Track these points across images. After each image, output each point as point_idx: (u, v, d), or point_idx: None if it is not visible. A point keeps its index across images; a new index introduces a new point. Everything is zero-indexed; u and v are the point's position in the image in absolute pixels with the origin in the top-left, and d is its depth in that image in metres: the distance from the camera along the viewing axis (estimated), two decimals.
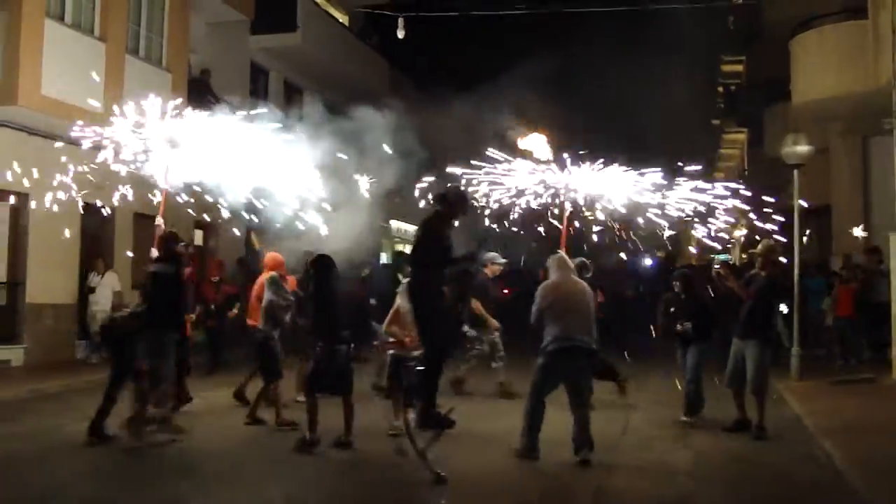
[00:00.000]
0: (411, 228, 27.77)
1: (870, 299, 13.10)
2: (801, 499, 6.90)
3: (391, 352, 8.80)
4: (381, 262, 21.68)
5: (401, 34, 16.06)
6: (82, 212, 13.23)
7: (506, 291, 16.51)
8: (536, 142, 8.86)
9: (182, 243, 9.35)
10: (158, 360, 8.37)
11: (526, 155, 9.22)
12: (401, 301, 8.65)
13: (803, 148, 13.12)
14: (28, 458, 7.61)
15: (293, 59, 19.98)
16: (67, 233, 13.17)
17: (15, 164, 11.35)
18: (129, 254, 13.75)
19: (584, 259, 9.81)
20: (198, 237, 17.13)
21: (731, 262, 30.19)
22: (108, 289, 13.86)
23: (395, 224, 25.36)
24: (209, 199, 10.47)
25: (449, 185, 8.48)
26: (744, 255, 32.85)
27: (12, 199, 13.11)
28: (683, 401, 9.35)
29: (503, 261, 11.79)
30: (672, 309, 9.50)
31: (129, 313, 8.73)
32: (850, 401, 10.77)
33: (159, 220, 9.81)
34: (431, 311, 6.96)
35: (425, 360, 6.96)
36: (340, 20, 22.62)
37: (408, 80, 24.44)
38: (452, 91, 14.98)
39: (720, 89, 34.25)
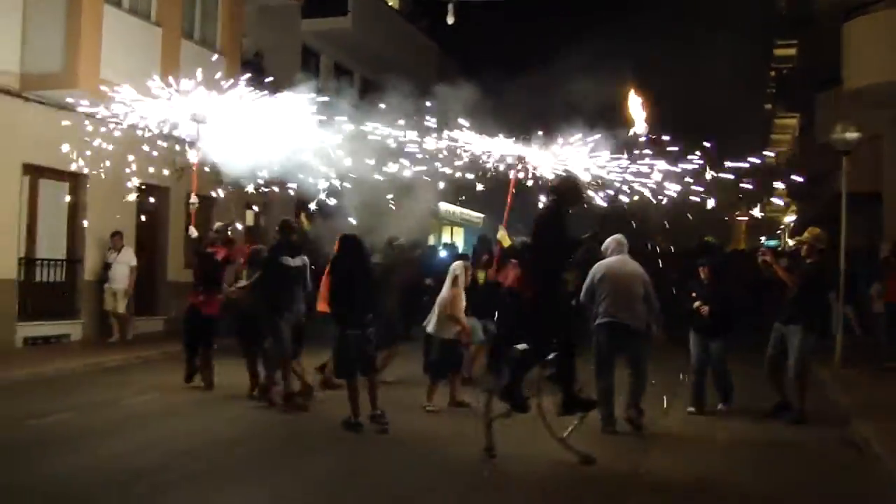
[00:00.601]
0: (458, 210, 27.91)
1: None
2: (834, 481, 6.78)
3: (429, 330, 9.07)
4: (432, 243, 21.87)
5: (450, 20, 15.95)
6: (137, 192, 13.57)
7: None
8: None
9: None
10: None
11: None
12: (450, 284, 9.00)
13: (852, 134, 12.83)
14: (93, 428, 7.79)
15: (344, 43, 20.04)
16: (122, 212, 13.59)
17: (73, 146, 11.69)
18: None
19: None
20: (249, 217, 17.33)
21: (778, 249, 29.71)
22: (124, 266, 13.62)
23: (443, 206, 25.42)
24: (258, 179, 10.65)
25: (562, 174, 8.49)
26: (791, 242, 32.31)
27: (70, 181, 13.44)
28: (691, 391, 9.07)
29: None
30: (694, 294, 9.23)
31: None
32: (892, 388, 10.56)
33: (194, 199, 10.02)
34: (560, 301, 7.10)
35: (561, 350, 6.87)
36: (390, 3, 22.67)
37: (455, 63, 24.36)
38: (501, 74, 14.93)
39: (772, 73, 33.64)
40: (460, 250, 20.70)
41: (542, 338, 6.83)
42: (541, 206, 7.86)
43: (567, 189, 7.20)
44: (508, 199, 9.87)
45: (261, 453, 7.11)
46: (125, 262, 13.69)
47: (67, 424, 7.90)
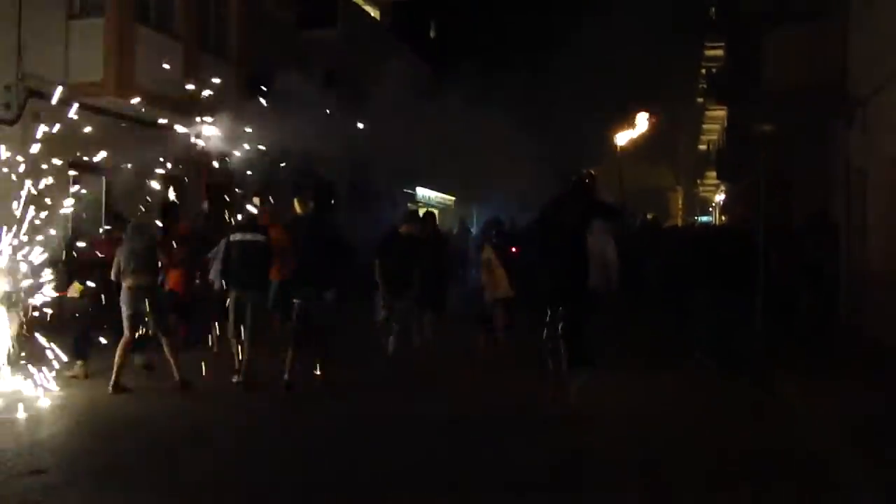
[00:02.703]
0: (434, 195, 29.06)
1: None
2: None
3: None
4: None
5: (432, 34, 17.03)
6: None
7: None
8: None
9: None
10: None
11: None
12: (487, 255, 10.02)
13: (767, 128, 14.20)
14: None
15: (333, 52, 20.97)
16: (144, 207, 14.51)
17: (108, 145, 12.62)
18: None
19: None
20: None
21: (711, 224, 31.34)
22: None
23: (420, 191, 26.57)
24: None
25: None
26: (723, 217, 33.96)
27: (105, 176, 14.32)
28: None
29: None
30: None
31: None
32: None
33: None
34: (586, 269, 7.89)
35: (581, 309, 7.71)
36: (373, 15, 23.61)
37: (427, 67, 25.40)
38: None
39: (703, 71, 35.01)
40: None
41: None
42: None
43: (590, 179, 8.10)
44: None
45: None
46: None
47: None
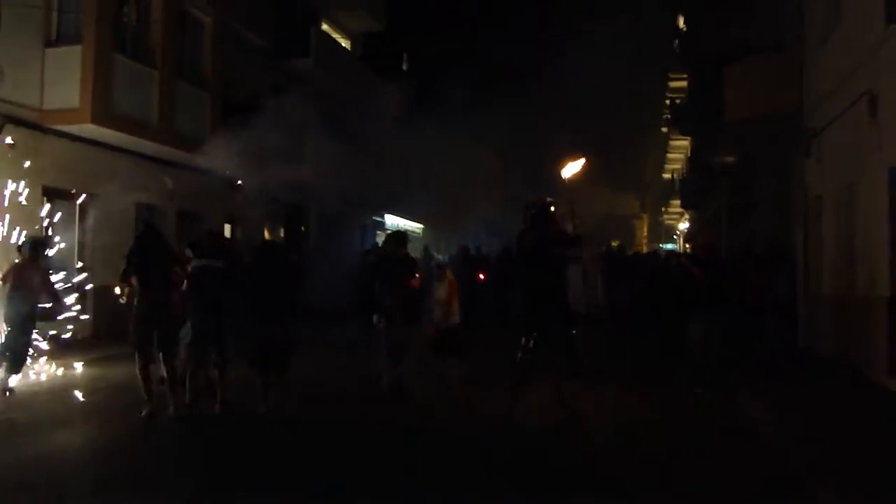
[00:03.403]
0: (402, 222, 29.41)
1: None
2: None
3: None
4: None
5: (405, 66, 17.48)
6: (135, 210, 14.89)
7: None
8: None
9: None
10: None
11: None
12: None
13: (729, 159, 14.78)
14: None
15: (307, 81, 21.30)
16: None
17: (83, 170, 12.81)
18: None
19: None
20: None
21: (676, 251, 31.94)
22: None
23: (389, 218, 26.86)
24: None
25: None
26: (687, 245, 34.69)
27: (81, 199, 14.42)
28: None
29: None
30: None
31: None
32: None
33: None
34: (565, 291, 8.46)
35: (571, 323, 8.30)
36: (344, 45, 24.04)
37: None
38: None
39: (667, 101, 35.90)
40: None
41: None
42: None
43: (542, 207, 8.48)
44: None
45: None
46: None
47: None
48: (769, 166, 17.50)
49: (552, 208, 8.47)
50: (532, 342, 8.07)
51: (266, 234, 13.25)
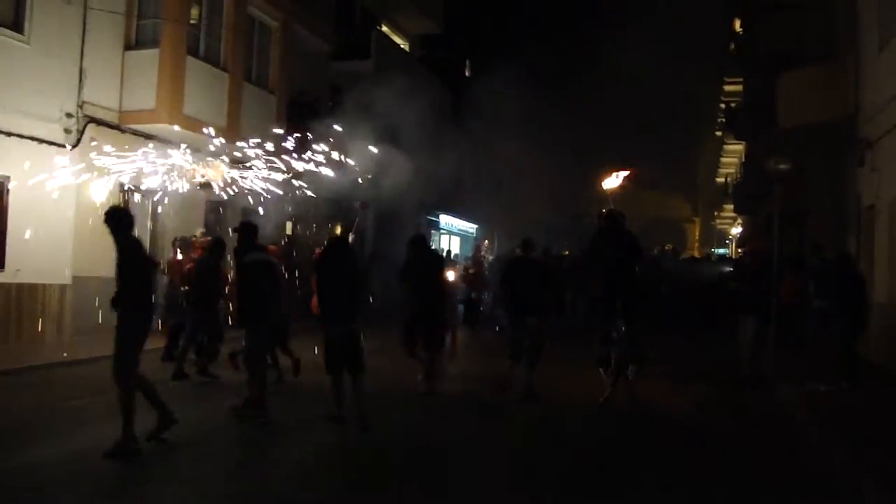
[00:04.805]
0: (456, 221, 29.91)
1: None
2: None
3: None
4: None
5: (467, 72, 17.91)
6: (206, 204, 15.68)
7: None
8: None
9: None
10: None
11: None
12: None
13: (784, 165, 14.88)
14: None
15: (367, 82, 21.91)
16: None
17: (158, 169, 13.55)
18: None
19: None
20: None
21: (727, 255, 31.87)
22: None
23: (443, 218, 27.35)
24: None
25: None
26: (738, 250, 34.55)
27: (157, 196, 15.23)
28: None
29: None
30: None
31: None
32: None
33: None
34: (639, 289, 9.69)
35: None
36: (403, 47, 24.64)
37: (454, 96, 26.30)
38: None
39: (722, 105, 35.79)
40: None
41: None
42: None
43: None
44: None
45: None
46: None
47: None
48: (822, 174, 17.57)
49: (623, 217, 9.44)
50: (611, 337, 9.25)
51: (337, 231, 13.75)
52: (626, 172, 9.95)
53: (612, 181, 9.92)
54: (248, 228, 8.49)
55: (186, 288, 11.05)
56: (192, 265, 11.12)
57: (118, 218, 6.90)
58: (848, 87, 14.93)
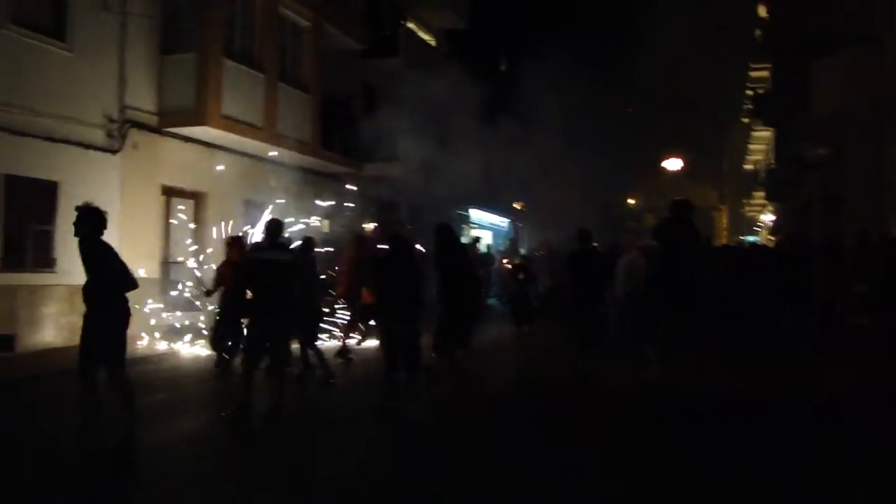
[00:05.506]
0: (486, 215, 30.00)
1: None
2: None
3: None
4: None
5: (503, 67, 17.92)
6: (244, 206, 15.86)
7: None
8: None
9: None
10: None
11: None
12: None
13: (820, 151, 14.90)
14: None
15: (396, 78, 22.02)
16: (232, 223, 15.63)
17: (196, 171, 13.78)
18: None
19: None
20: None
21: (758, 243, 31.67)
22: None
23: (473, 212, 27.44)
24: None
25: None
26: (770, 237, 34.32)
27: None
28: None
29: None
30: None
31: None
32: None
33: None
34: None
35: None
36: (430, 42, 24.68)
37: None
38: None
39: (748, 92, 35.43)
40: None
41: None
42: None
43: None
44: None
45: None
46: None
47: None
48: (860, 159, 17.45)
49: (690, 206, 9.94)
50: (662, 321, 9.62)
51: (388, 228, 13.81)
52: (680, 158, 10.38)
53: (674, 163, 10.35)
54: (272, 225, 8.42)
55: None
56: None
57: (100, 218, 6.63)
58: (884, 71, 14.83)
